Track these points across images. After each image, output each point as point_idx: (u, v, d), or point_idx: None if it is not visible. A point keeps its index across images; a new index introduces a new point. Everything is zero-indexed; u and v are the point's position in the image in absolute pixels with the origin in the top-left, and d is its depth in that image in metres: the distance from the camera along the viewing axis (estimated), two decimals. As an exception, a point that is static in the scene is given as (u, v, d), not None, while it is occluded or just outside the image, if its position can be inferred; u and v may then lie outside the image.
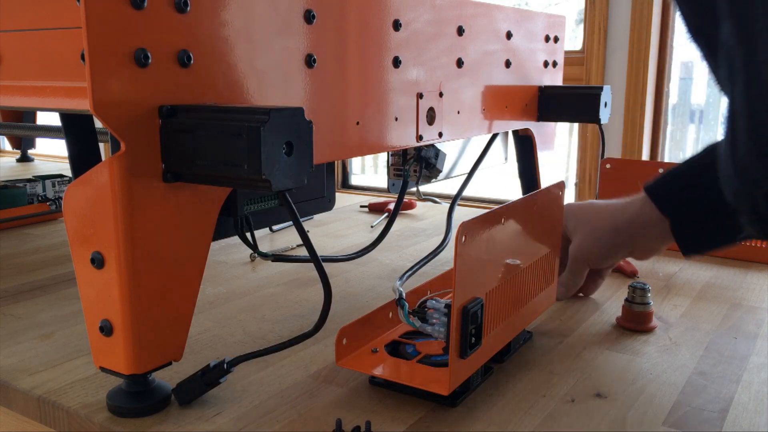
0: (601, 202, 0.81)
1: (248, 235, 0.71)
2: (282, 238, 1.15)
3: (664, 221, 0.74)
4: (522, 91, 1.05)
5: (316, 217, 1.30)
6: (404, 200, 1.25)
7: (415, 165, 0.96)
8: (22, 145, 1.95)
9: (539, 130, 1.13)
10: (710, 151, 0.73)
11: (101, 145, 0.98)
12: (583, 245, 0.79)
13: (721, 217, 0.70)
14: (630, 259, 0.99)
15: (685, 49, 1.93)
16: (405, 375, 0.59)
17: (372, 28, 0.72)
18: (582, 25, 2.01)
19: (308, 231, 0.67)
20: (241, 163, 0.49)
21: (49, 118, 1.88)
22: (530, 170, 1.18)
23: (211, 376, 0.58)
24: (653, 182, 0.76)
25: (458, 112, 0.88)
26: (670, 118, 2.00)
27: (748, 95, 0.30)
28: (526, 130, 1.11)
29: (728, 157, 0.31)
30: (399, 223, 1.27)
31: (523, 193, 1.19)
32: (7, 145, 2.37)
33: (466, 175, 1.07)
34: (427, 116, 0.82)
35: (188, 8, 0.53)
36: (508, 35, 0.98)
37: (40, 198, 1.26)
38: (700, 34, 0.34)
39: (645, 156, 2.02)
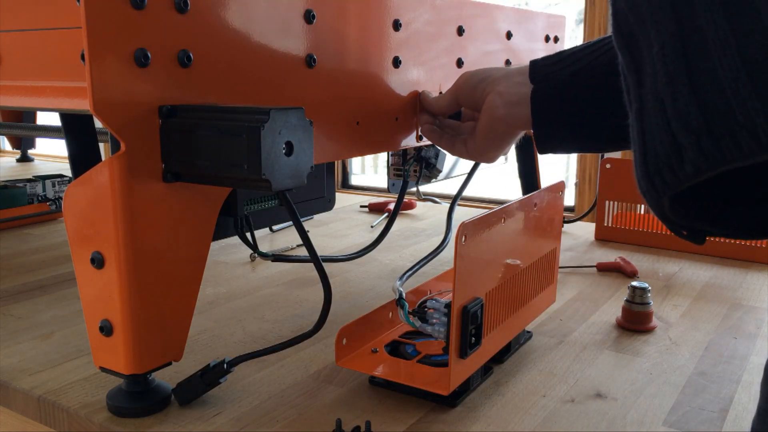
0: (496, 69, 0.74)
1: (248, 235, 0.71)
2: (282, 238, 1.15)
3: (528, 87, 0.69)
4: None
5: (316, 217, 1.30)
6: (404, 200, 1.25)
7: (415, 165, 0.96)
8: (22, 145, 1.95)
9: (539, 130, 1.13)
10: (598, 40, 0.68)
11: (101, 145, 0.98)
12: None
13: (579, 102, 0.67)
14: (630, 259, 0.99)
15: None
16: (405, 375, 0.59)
17: (372, 28, 0.72)
18: (582, 25, 2.01)
19: (308, 231, 0.67)
20: (241, 163, 0.49)
21: (49, 118, 1.88)
22: (530, 170, 1.18)
23: (211, 376, 0.58)
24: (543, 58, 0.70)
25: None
26: (670, 118, 1.99)
27: (640, 123, 0.31)
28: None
29: (636, 151, 0.32)
30: (399, 223, 1.27)
31: (523, 193, 1.19)
32: (7, 145, 2.37)
33: (466, 175, 1.07)
34: (427, 116, 0.82)
35: (188, 8, 0.53)
36: (508, 35, 0.98)
37: (40, 198, 1.26)
38: (618, 46, 0.35)
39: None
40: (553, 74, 0.68)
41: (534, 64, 0.70)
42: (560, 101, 0.67)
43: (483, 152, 0.74)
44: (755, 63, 0.27)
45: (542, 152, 0.71)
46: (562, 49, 0.71)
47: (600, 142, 0.69)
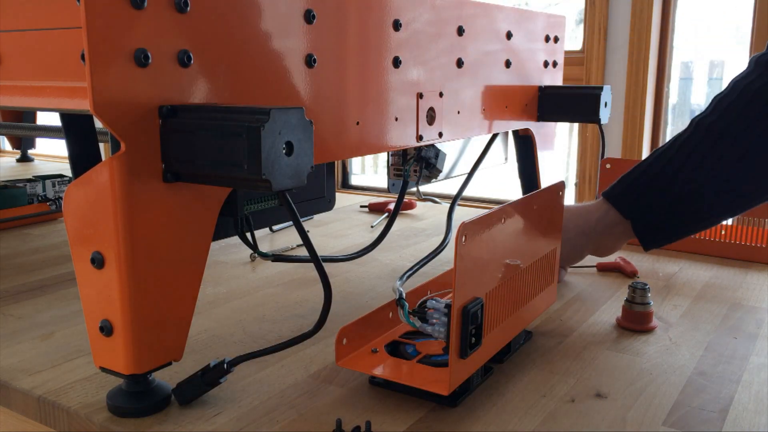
0: (569, 206, 0.88)
1: (248, 235, 0.71)
2: (282, 238, 1.15)
3: (626, 222, 0.86)
4: (522, 91, 1.05)
5: (316, 217, 1.30)
6: (404, 200, 1.25)
7: (415, 165, 0.96)
8: (22, 145, 1.95)
9: (539, 130, 1.13)
10: (658, 155, 0.86)
11: (101, 145, 0.98)
12: None
13: (676, 214, 0.83)
14: (630, 259, 0.99)
15: (685, 49, 1.93)
16: (405, 375, 0.59)
17: (372, 28, 0.72)
18: (582, 25, 2.01)
19: (308, 231, 0.67)
20: (241, 163, 0.49)
21: (49, 118, 1.88)
22: (530, 170, 1.18)
23: (211, 376, 0.58)
24: (611, 188, 0.88)
25: (458, 112, 0.88)
26: (670, 118, 2.00)
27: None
28: (526, 130, 1.11)
29: None
30: (399, 223, 1.27)
31: (523, 193, 1.19)
32: (7, 145, 2.37)
33: (466, 175, 1.07)
34: (427, 116, 0.82)
35: (188, 8, 0.53)
36: (508, 35, 0.98)
37: (40, 198, 1.26)
38: None
39: (645, 156, 2.02)
40: (644, 204, 0.85)
41: (610, 196, 0.88)
42: (659, 220, 0.85)
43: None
44: None
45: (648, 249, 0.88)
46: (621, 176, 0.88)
47: (702, 225, 0.87)
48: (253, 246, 0.71)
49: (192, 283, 0.58)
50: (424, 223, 1.29)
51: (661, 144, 2.04)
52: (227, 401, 0.59)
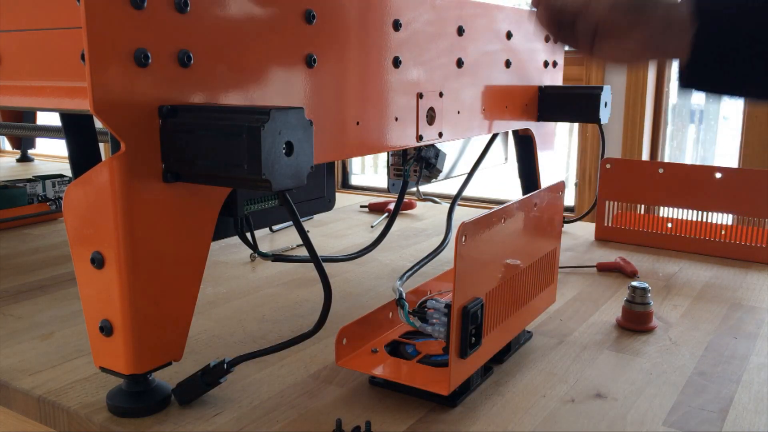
0: None
1: (248, 235, 0.71)
2: (282, 238, 1.15)
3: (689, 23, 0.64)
4: (522, 91, 1.05)
5: (316, 217, 1.30)
6: (404, 200, 1.25)
7: (415, 165, 0.96)
8: (22, 145, 1.95)
9: (539, 130, 1.13)
10: None
11: (101, 145, 0.98)
12: None
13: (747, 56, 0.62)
14: (630, 259, 0.99)
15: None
16: (405, 375, 0.59)
17: (372, 28, 0.72)
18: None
19: (308, 231, 0.67)
20: (241, 163, 0.49)
21: (49, 118, 1.88)
22: (530, 170, 1.18)
23: (211, 376, 0.58)
24: None
25: (458, 112, 0.88)
26: (670, 118, 2.00)
27: None
28: (526, 130, 1.11)
29: None
30: (399, 223, 1.27)
31: (523, 193, 1.19)
32: (7, 145, 2.37)
33: (466, 175, 1.07)
34: (427, 116, 0.82)
35: (188, 8, 0.53)
36: (508, 35, 0.98)
37: (40, 198, 1.26)
38: None
39: (645, 156, 2.02)
40: (718, 7, 0.63)
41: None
42: (727, 41, 0.63)
43: (616, 59, 0.69)
44: None
45: (686, 86, 0.66)
46: None
47: (757, 89, 0.65)
48: (253, 246, 0.71)
49: (192, 283, 0.58)
50: (424, 223, 1.29)
51: (660, 144, 2.04)
52: (227, 401, 0.59)
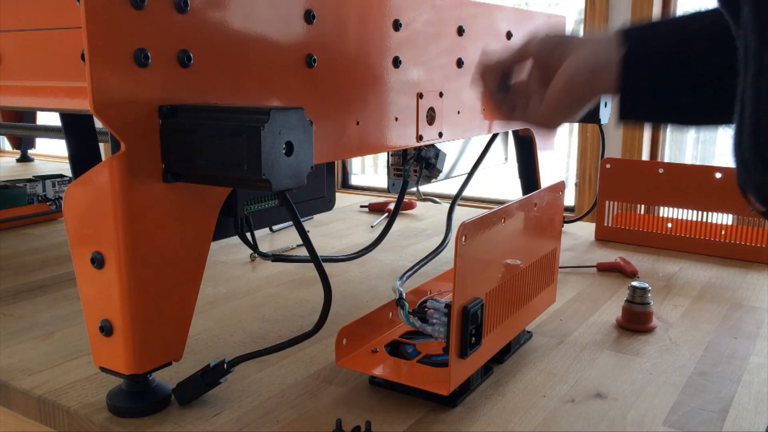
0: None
1: (248, 235, 0.71)
2: (282, 238, 1.15)
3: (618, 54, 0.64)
4: (522, 91, 1.05)
5: (316, 217, 1.30)
6: (404, 200, 1.25)
7: (415, 165, 0.96)
8: (22, 145, 1.95)
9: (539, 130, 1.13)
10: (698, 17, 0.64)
11: (101, 145, 0.98)
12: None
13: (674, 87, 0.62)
14: (630, 259, 0.99)
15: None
16: (405, 375, 0.59)
17: (372, 28, 0.72)
18: (582, 25, 2.01)
19: (308, 231, 0.67)
20: (241, 163, 0.49)
21: (49, 118, 1.88)
22: (530, 170, 1.18)
23: (211, 376, 0.58)
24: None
25: (458, 112, 0.88)
26: (670, 118, 1.99)
27: (758, 88, 0.29)
28: (526, 130, 1.11)
29: (734, 143, 0.30)
30: (399, 223, 1.27)
31: (523, 193, 1.19)
32: (7, 145, 2.37)
33: (466, 175, 1.07)
34: (427, 116, 0.82)
35: (188, 8, 0.53)
36: (508, 35, 0.98)
37: (40, 198, 1.26)
38: (727, 5, 0.33)
39: (645, 156, 2.02)
40: (647, 40, 0.64)
41: (625, 30, 0.65)
42: (653, 68, 0.63)
43: (550, 117, 0.69)
44: None
45: (623, 119, 0.66)
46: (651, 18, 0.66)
47: (689, 117, 0.66)
48: (253, 246, 0.71)
49: (192, 283, 0.58)
50: (424, 223, 1.29)
51: (660, 144, 2.04)
52: (227, 401, 0.59)
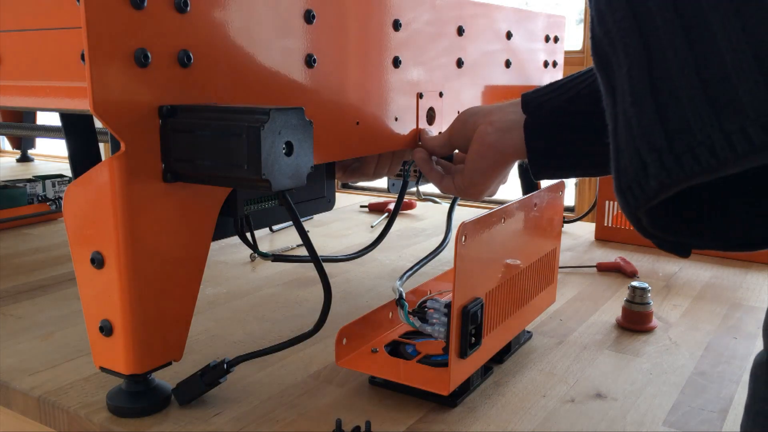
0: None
1: (248, 235, 0.71)
2: (282, 238, 1.15)
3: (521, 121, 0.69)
4: (522, 90, 1.05)
5: (316, 217, 1.30)
6: (404, 200, 1.25)
7: (415, 165, 0.96)
8: (22, 145, 1.95)
9: (539, 130, 1.13)
10: (585, 78, 0.68)
11: (101, 145, 0.98)
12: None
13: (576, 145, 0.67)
14: (630, 259, 0.99)
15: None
16: (405, 375, 0.59)
17: (372, 28, 0.72)
18: (582, 25, 2.01)
19: (308, 231, 0.67)
20: (241, 163, 0.49)
21: (49, 118, 1.88)
22: (530, 170, 1.18)
23: (211, 376, 0.58)
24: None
25: (458, 112, 0.88)
26: (670, 118, 1.99)
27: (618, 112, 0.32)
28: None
29: (612, 168, 0.33)
30: (399, 223, 1.27)
31: (523, 193, 1.19)
32: (7, 145, 2.37)
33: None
34: (427, 116, 0.82)
35: (188, 8, 0.53)
36: (508, 35, 0.98)
37: (40, 198, 1.26)
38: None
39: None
40: (545, 102, 0.69)
41: (525, 95, 0.71)
42: (553, 128, 0.68)
43: (470, 185, 0.73)
44: (713, 83, 0.27)
45: (538, 179, 0.71)
46: (553, 80, 0.72)
47: (594, 167, 0.70)
48: (253, 246, 0.71)
49: (192, 283, 0.58)
50: (424, 223, 1.29)
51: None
52: (227, 401, 0.59)
